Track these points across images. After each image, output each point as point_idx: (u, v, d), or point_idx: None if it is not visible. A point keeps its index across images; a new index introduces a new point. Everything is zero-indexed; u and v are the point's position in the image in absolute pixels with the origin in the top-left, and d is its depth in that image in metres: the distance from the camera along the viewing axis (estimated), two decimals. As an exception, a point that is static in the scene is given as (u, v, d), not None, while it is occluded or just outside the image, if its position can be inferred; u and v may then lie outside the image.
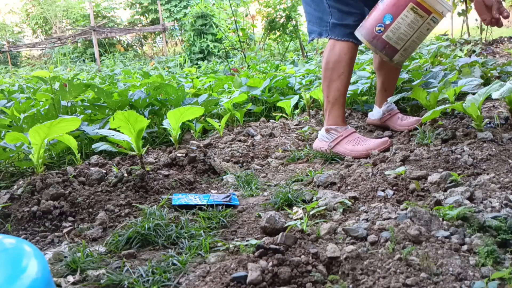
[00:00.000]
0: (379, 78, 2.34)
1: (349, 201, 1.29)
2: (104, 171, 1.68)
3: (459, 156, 1.50)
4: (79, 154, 1.93)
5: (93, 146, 1.95)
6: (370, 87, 2.94)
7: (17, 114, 2.39)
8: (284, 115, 2.82)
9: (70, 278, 1.01)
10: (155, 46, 16.92)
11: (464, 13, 7.26)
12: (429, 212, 1.06)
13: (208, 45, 10.23)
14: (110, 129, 1.72)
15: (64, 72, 8.81)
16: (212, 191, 1.63)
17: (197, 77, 4.77)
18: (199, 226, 1.25)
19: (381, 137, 2.07)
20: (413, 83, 2.60)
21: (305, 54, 7.30)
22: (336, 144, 1.96)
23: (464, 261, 0.89)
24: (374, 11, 1.82)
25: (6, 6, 19.25)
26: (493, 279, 0.81)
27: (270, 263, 0.90)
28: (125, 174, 1.61)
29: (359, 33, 1.87)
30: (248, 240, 1.11)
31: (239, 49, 7.47)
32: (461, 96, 2.47)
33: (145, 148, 1.74)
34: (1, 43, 16.37)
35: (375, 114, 2.36)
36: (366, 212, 1.21)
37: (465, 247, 0.94)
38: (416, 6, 1.72)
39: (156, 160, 1.92)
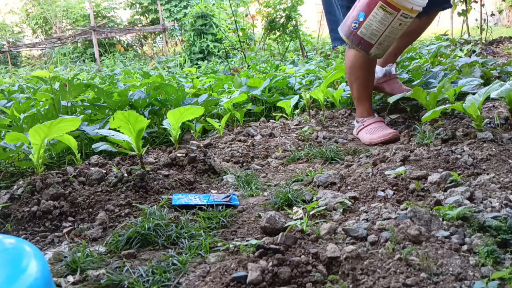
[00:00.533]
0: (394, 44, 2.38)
1: (349, 201, 1.29)
2: (104, 171, 1.68)
3: (459, 156, 1.50)
4: (79, 154, 1.93)
5: (93, 146, 1.95)
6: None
7: (17, 114, 2.39)
8: (284, 115, 2.82)
9: (70, 278, 1.01)
10: (155, 46, 16.91)
11: (464, 13, 7.25)
12: (429, 212, 1.06)
13: (208, 45, 10.23)
14: (110, 129, 1.72)
15: (64, 72, 8.81)
16: (212, 191, 1.63)
17: (197, 77, 4.77)
18: (199, 226, 1.25)
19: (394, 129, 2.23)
20: (413, 83, 2.61)
21: (305, 54, 7.30)
22: (358, 132, 2.27)
23: (464, 261, 0.89)
24: (353, 10, 1.94)
25: (6, 6, 19.21)
26: (493, 279, 0.81)
27: (270, 263, 0.90)
28: (125, 174, 1.61)
29: (340, 29, 1.99)
30: (248, 240, 1.11)
31: (239, 49, 7.47)
32: (461, 96, 2.47)
33: (145, 148, 1.74)
34: (1, 43, 16.36)
35: (378, 72, 2.36)
36: (366, 212, 1.21)
37: (465, 247, 0.94)
38: (385, 4, 1.81)
39: (156, 160, 1.92)
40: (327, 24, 2.34)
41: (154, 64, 9.81)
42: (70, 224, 1.34)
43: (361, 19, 1.86)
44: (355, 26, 1.89)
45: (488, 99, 2.44)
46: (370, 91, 2.29)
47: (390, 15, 1.82)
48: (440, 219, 1.04)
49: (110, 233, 1.26)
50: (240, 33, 7.15)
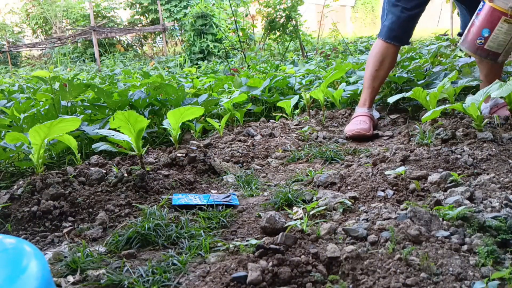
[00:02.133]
0: (482, 72, 2.43)
1: (349, 201, 1.29)
2: (104, 171, 1.68)
3: (459, 156, 1.50)
4: (79, 154, 1.93)
5: (93, 146, 1.95)
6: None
7: (17, 114, 2.39)
8: (284, 115, 2.82)
9: (70, 278, 1.01)
10: (155, 46, 16.90)
11: (464, 13, 7.23)
12: (429, 212, 1.06)
13: (208, 45, 10.23)
14: (110, 129, 1.71)
15: (64, 72, 8.80)
16: (212, 191, 1.63)
17: (197, 77, 4.77)
18: (199, 226, 1.25)
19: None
20: (419, 82, 2.61)
21: (305, 54, 7.30)
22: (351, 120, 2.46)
23: (464, 261, 0.89)
24: (472, 27, 2.10)
25: (6, 6, 19.20)
26: (493, 279, 0.81)
27: (270, 263, 0.90)
28: (125, 174, 1.61)
29: (463, 46, 2.15)
30: (248, 240, 1.11)
31: (239, 49, 7.47)
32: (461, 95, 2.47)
33: (145, 148, 1.74)
34: (1, 43, 16.35)
35: (483, 110, 2.31)
36: (366, 212, 1.21)
37: (465, 247, 0.94)
38: (509, 18, 1.97)
39: (156, 160, 1.92)
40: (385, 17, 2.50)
41: (154, 64, 9.80)
42: (70, 224, 1.34)
43: (486, 35, 2.03)
44: (480, 42, 2.05)
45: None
46: (372, 84, 2.43)
47: None
48: (440, 219, 1.04)
49: (110, 233, 1.26)
50: (240, 33, 7.15)
